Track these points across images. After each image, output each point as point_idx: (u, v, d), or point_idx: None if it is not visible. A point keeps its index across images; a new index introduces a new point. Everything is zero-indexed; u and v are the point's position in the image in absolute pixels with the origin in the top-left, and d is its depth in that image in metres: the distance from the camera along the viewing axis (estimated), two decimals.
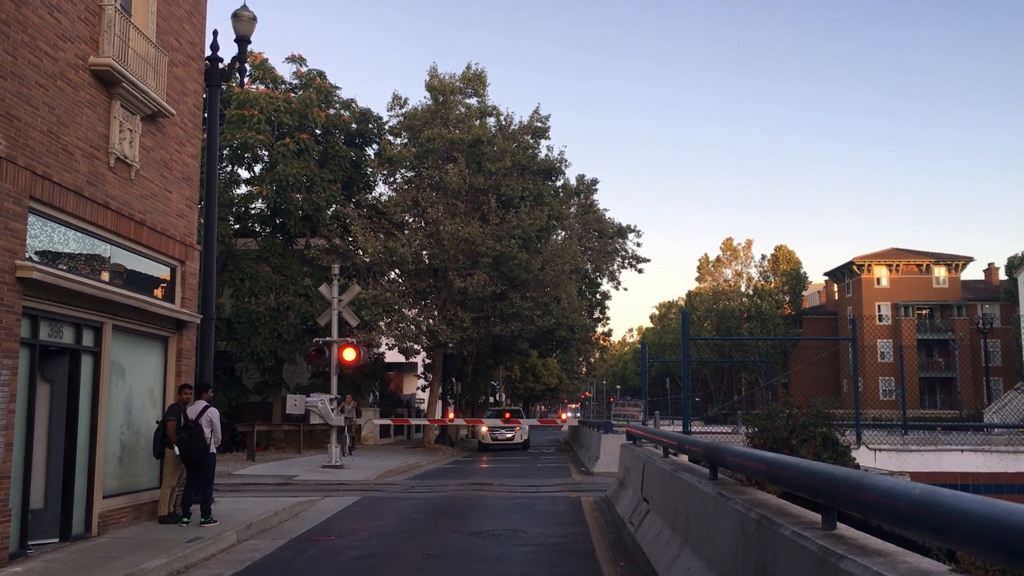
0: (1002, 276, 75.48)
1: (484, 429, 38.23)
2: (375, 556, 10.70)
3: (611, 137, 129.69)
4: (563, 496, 16.95)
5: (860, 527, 4.93)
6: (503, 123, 38.08)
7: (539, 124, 38.18)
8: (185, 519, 12.26)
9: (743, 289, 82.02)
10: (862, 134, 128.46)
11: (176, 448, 12.31)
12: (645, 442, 14.12)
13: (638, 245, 48.12)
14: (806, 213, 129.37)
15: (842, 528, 4.76)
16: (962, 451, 16.72)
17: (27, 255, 9.71)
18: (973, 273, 79.49)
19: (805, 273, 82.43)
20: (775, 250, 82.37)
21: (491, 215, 34.68)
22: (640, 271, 51.34)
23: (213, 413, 12.62)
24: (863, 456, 15.79)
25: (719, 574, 6.40)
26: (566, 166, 39.28)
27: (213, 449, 12.58)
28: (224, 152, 31.47)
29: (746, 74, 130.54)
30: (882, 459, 16.30)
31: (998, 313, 69.92)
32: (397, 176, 37.92)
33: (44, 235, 10.21)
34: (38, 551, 10.00)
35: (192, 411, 12.47)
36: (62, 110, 10.37)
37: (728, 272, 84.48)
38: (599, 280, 48.14)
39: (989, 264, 79.49)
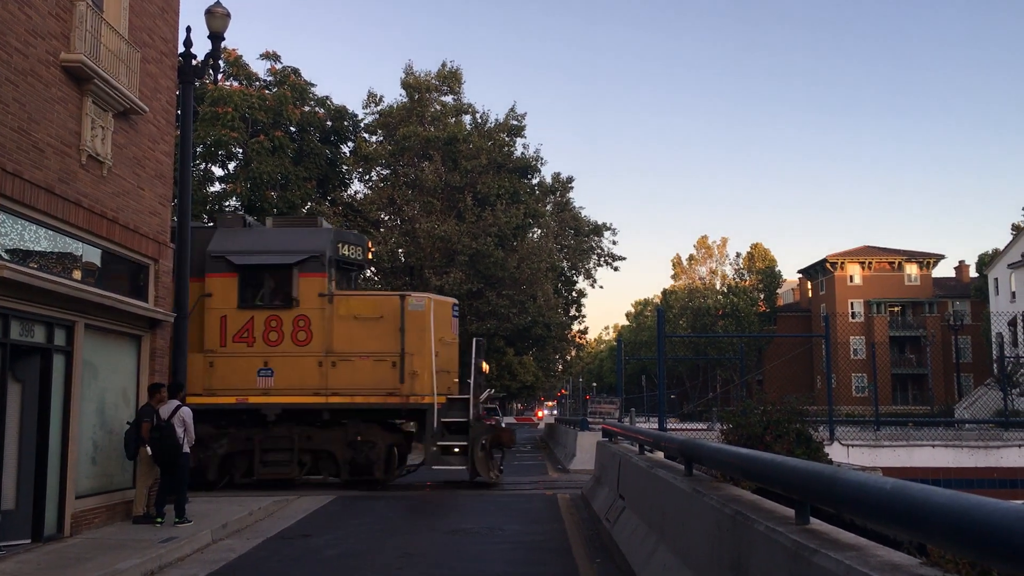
0: (972, 273, 76.43)
1: None
2: (352, 555, 10.68)
3: (586, 135, 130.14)
4: (539, 494, 16.99)
5: (833, 522, 4.97)
6: (479, 121, 38.10)
7: (515, 122, 38.23)
8: (159, 519, 12.17)
9: (718, 287, 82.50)
10: (836, 133, 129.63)
11: (148, 448, 12.23)
12: (621, 439, 14.17)
13: (614, 243, 48.30)
14: (781, 211, 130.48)
15: (815, 523, 4.81)
16: (933, 446, 16.93)
17: None
18: (944, 271, 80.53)
19: (779, 271, 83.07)
20: (750, 248, 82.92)
21: (467, 213, 34.67)
22: (616, 269, 51.56)
23: (186, 412, 12.53)
24: (836, 452, 15.95)
25: (695, 569, 6.45)
26: (542, 164, 39.39)
27: (186, 449, 12.49)
28: (198, 149, 31.22)
29: (720, 74, 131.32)
30: (855, 455, 16.47)
31: (969, 310, 70.76)
32: (373, 174, 37.84)
33: (14, 233, 10.10)
34: (10, 552, 9.89)
35: (165, 411, 12.39)
36: (33, 107, 10.25)
37: (703, 270, 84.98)
38: (575, 278, 48.25)
39: (960, 262, 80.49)
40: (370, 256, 19.81)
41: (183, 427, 12.38)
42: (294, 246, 18.06)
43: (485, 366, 19.08)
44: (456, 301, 19.93)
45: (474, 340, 19.23)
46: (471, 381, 18.10)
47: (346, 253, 18.46)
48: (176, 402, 12.59)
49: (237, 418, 17.92)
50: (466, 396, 18.20)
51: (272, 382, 17.61)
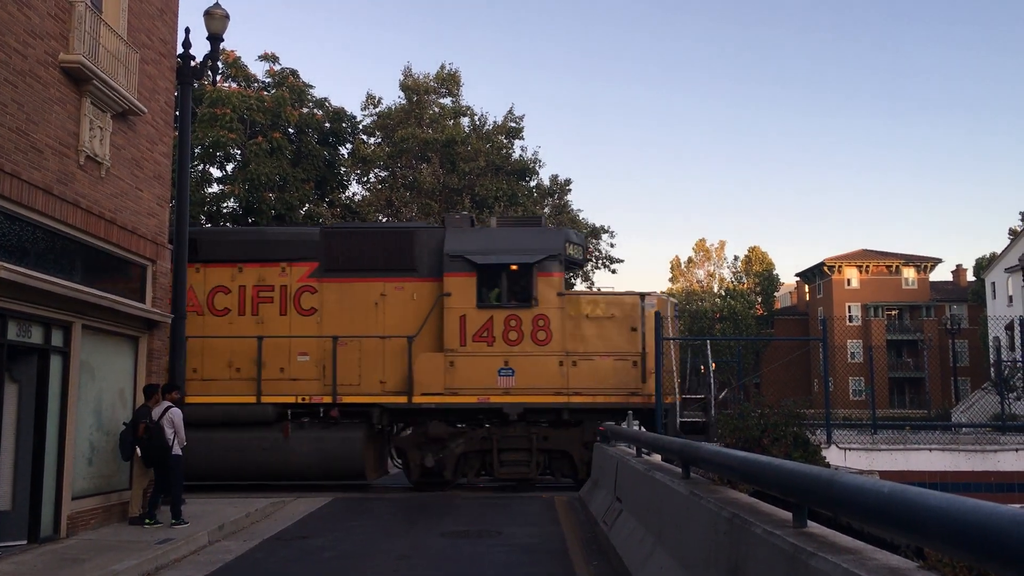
0: (970, 277, 76.47)
1: None
2: (348, 556, 10.67)
3: (585, 138, 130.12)
4: (536, 496, 16.98)
5: (831, 525, 4.98)
6: (477, 123, 38.08)
7: (513, 124, 38.20)
8: (149, 520, 12.10)
9: (716, 290, 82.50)
10: (834, 137, 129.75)
11: (138, 449, 12.19)
12: (618, 442, 14.17)
13: (612, 246, 48.21)
14: (779, 215, 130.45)
15: (813, 526, 4.81)
16: (930, 450, 16.93)
17: None
18: (941, 274, 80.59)
19: (777, 274, 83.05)
20: (748, 251, 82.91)
21: None
22: (614, 271, 51.40)
23: (175, 413, 12.46)
24: (833, 455, 15.95)
25: (692, 572, 6.45)
26: (540, 166, 39.32)
27: (178, 450, 12.41)
28: (196, 150, 31.15)
29: (719, 77, 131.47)
30: (852, 458, 16.48)
31: (966, 314, 70.85)
32: (371, 176, 37.82)
33: (12, 233, 10.09)
34: (6, 553, 9.88)
35: (156, 412, 12.35)
36: (31, 107, 10.25)
37: (701, 273, 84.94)
38: (573, 281, 48.22)
39: (957, 266, 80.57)
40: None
41: (172, 428, 12.33)
42: (532, 245, 18.20)
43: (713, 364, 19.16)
44: (676, 300, 19.97)
45: (707, 340, 19.38)
46: (710, 381, 18.19)
47: (571, 253, 18.63)
48: (167, 403, 12.54)
49: (472, 417, 18.05)
50: (701, 396, 18.26)
51: (513, 381, 17.63)
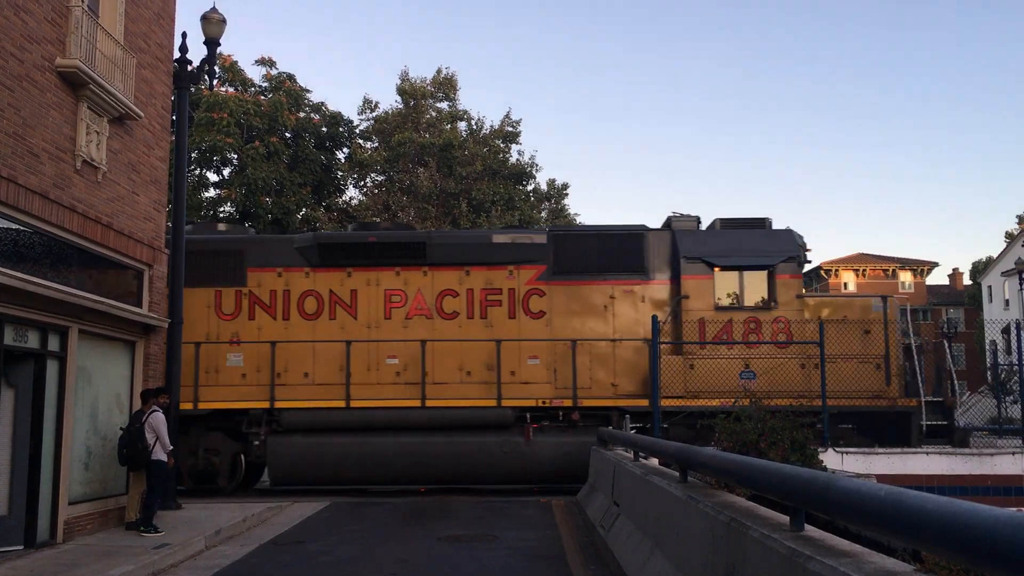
0: (966, 281, 76.57)
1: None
2: (345, 561, 10.66)
3: (583, 140, 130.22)
4: (533, 500, 16.96)
5: (828, 528, 4.98)
6: (474, 127, 38.12)
7: (510, 128, 38.24)
8: (143, 528, 12.06)
9: None
10: (830, 141, 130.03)
11: (120, 453, 12.12)
12: (616, 445, 14.17)
13: None
14: (775, 218, 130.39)
15: (810, 530, 4.82)
16: (927, 454, 16.92)
17: None
18: (938, 278, 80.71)
19: None
20: None
21: (462, 219, 34.68)
22: None
23: (156, 419, 12.31)
24: (830, 459, 15.94)
25: None
26: (537, 170, 39.34)
27: (162, 456, 12.28)
28: (193, 155, 31.20)
29: (714, 81, 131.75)
30: (849, 462, 16.47)
31: (962, 317, 70.94)
32: (368, 180, 37.83)
33: (9, 237, 10.08)
34: (3, 558, 9.87)
35: (140, 416, 12.29)
36: (28, 112, 10.25)
37: None
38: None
39: (954, 269, 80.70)
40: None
41: (153, 434, 12.23)
42: (771, 247, 18.23)
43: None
44: (906, 303, 19.94)
45: (944, 341, 19.40)
46: (953, 383, 18.17)
47: (803, 256, 18.80)
48: (153, 407, 12.44)
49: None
50: (939, 399, 18.08)
51: (754, 384, 17.47)
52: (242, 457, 18.02)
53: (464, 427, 17.66)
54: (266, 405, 17.83)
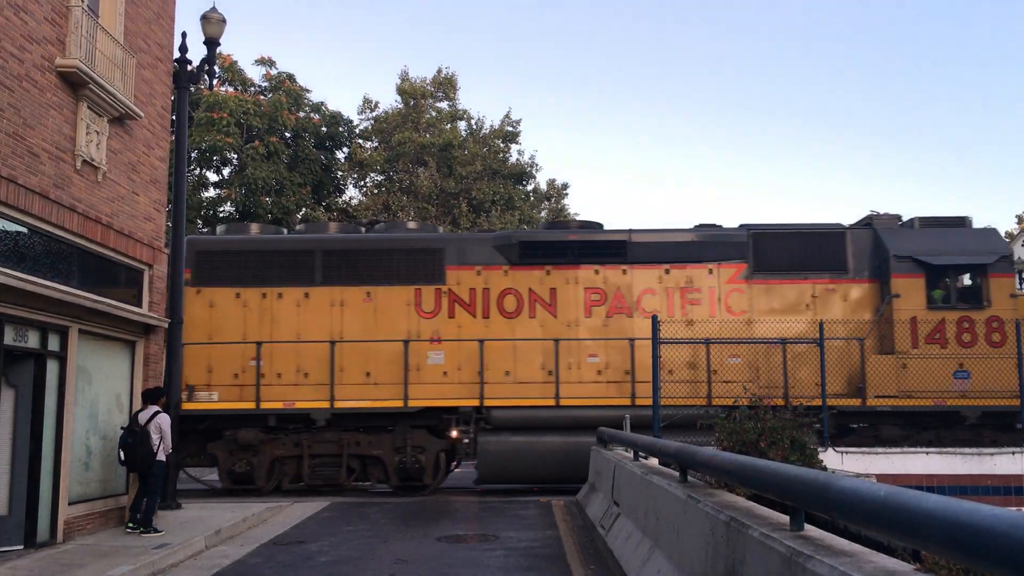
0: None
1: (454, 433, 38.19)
2: (345, 561, 10.66)
3: (584, 139, 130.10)
4: (533, 500, 16.97)
5: (828, 528, 4.99)
6: (474, 127, 38.11)
7: (510, 128, 38.24)
8: (131, 524, 12.06)
9: None
10: (830, 136, 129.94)
11: (120, 454, 12.12)
12: (616, 445, 14.17)
13: None
14: (775, 215, 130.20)
15: (810, 529, 4.82)
16: (927, 453, 16.92)
17: None
18: None
19: None
20: None
21: (462, 219, 34.69)
22: None
23: (163, 419, 12.36)
24: (830, 458, 15.94)
25: None
26: (537, 170, 39.34)
27: (162, 456, 12.31)
28: (192, 155, 31.20)
29: (715, 77, 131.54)
30: (849, 461, 16.47)
31: None
32: (367, 180, 37.82)
33: (9, 237, 10.09)
34: (3, 558, 9.88)
35: (142, 416, 12.24)
36: (28, 112, 10.26)
37: None
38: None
39: None
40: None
41: (159, 434, 12.25)
42: (982, 247, 18.21)
43: None
44: None
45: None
46: None
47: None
48: (155, 408, 12.42)
49: (919, 420, 17.95)
50: None
51: (968, 384, 17.50)
52: (443, 455, 18.28)
53: (672, 426, 17.68)
54: (475, 403, 18.00)
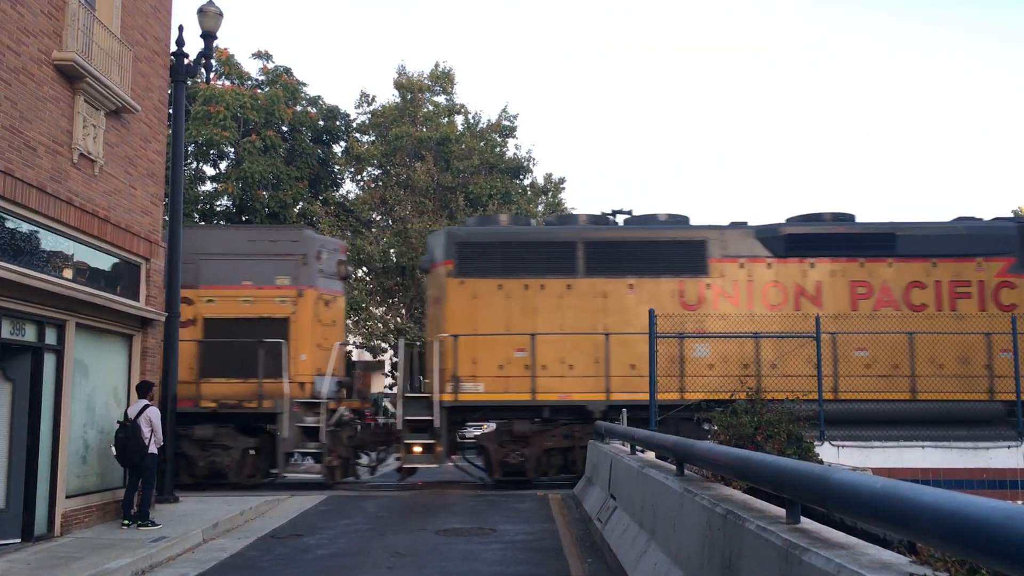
0: None
1: None
2: (343, 554, 10.68)
3: (577, 135, 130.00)
4: (531, 494, 17.00)
5: (824, 521, 5.01)
6: (471, 121, 38.06)
7: (507, 123, 38.19)
8: (126, 521, 12.07)
9: None
10: (828, 136, 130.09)
11: (113, 448, 12.12)
12: (612, 439, 14.20)
13: None
14: (774, 213, 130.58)
15: (806, 522, 4.84)
16: (923, 447, 16.98)
17: None
18: None
19: None
20: None
21: (459, 213, 34.65)
22: None
23: (153, 412, 12.32)
24: (826, 452, 15.96)
25: (685, 569, 6.47)
26: (534, 164, 39.31)
27: (154, 449, 12.26)
28: (189, 148, 31.15)
29: (713, 75, 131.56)
30: (845, 455, 16.51)
31: None
32: (364, 174, 37.77)
33: (6, 231, 10.07)
34: (0, 552, 9.87)
35: (132, 410, 12.23)
36: (24, 105, 10.23)
37: None
38: None
39: None
40: None
41: (150, 427, 12.22)
42: None
43: None
44: None
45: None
46: None
47: None
48: (144, 401, 12.38)
49: None
50: None
51: None
52: None
53: (952, 422, 17.57)
54: (752, 396, 18.07)
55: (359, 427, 19.39)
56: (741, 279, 18.78)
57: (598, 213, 20.74)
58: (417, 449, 18.18)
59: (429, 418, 18.02)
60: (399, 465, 18.73)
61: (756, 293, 18.71)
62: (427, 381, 18.89)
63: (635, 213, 19.98)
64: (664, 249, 18.69)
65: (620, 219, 20.33)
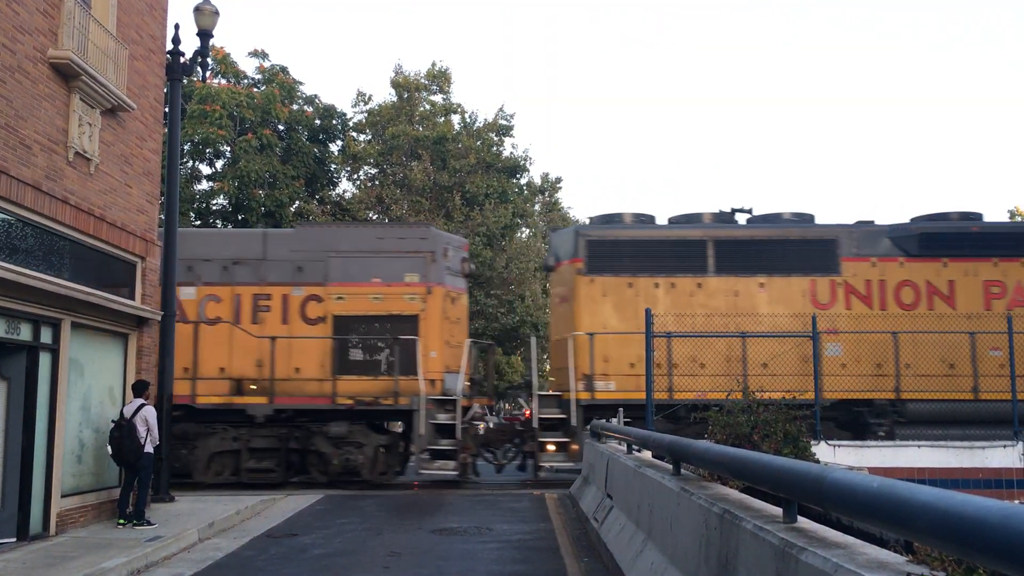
0: None
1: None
2: (339, 554, 10.67)
3: (574, 135, 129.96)
4: (527, 493, 17.00)
5: (821, 521, 5.00)
6: (468, 120, 38.05)
7: (504, 122, 38.19)
8: (121, 520, 12.04)
9: None
10: (825, 135, 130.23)
11: (109, 447, 12.09)
12: (609, 438, 14.19)
13: None
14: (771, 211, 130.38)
15: (803, 521, 4.83)
16: (919, 447, 16.99)
17: None
18: None
19: None
20: None
21: (455, 212, 34.65)
22: None
23: (148, 411, 12.30)
24: (823, 451, 15.97)
25: (682, 568, 6.47)
26: (530, 163, 39.34)
27: (150, 449, 12.24)
28: (185, 147, 31.12)
29: (711, 76, 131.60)
30: (841, 454, 16.52)
31: None
32: (361, 173, 37.76)
33: (1, 230, 10.04)
34: None
35: (128, 409, 12.21)
36: (20, 103, 10.20)
37: None
38: None
39: None
40: None
41: (145, 426, 12.19)
42: None
43: None
44: None
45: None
46: None
47: None
48: (140, 400, 12.37)
49: None
50: None
51: None
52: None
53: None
54: (891, 395, 18.07)
55: (490, 424, 19.44)
56: (874, 278, 18.82)
57: (720, 211, 20.82)
58: (551, 447, 18.22)
59: (562, 416, 18.10)
60: (520, 463, 18.82)
61: (889, 292, 18.76)
62: (552, 380, 18.89)
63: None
64: (794, 247, 18.78)
65: (741, 218, 20.32)
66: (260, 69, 34.91)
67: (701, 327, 18.49)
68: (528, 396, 19.88)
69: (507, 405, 53.53)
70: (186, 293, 18.27)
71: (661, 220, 20.59)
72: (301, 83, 35.45)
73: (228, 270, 18.80)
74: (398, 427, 20.13)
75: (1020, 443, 17.02)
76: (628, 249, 19.15)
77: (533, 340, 21.04)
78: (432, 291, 18.70)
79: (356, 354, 18.38)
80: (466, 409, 18.27)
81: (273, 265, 18.83)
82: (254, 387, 18.26)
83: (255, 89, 33.93)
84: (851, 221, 19.94)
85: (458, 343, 19.16)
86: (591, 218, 21.32)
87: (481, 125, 37.91)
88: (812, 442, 14.75)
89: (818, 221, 19.93)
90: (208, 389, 18.23)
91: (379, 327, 18.46)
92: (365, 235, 19.42)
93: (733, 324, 18.45)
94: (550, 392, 19.31)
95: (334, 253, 18.72)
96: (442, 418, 18.04)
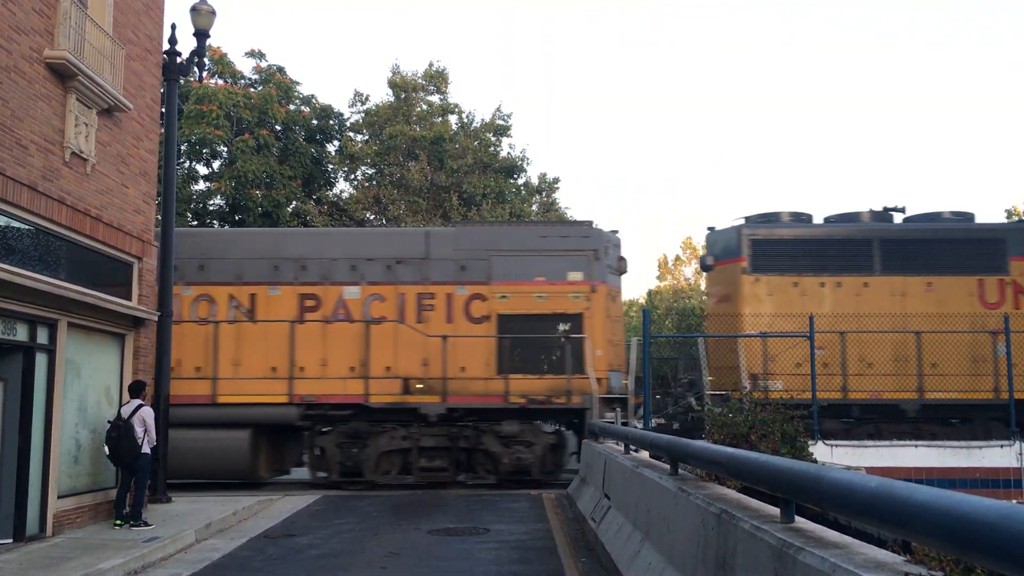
0: None
1: None
2: (336, 554, 10.65)
3: (571, 135, 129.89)
4: (524, 493, 16.99)
5: (818, 521, 5.00)
6: (465, 120, 38.03)
7: (501, 122, 38.17)
8: (118, 521, 12.02)
9: (703, 287, 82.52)
10: (822, 135, 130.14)
11: (106, 448, 12.07)
12: (606, 438, 14.19)
13: None
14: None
15: (800, 521, 4.83)
16: (917, 447, 17.03)
17: None
18: None
19: None
20: None
21: (453, 213, 34.63)
22: None
23: (146, 412, 12.30)
24: (820, 451, 15.99)
25: (680, 568, 6.46)
26: (528, 164, 39.29)
27: (147, 449, 12.24)
28: (182, 147, 31.08)
29: (707, 77, 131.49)
30: (839, 454, 16.55)
31: None
32: (358, 173, 37.72)
33: None
34: None
35: (125, 410, 12.19)
36: (16, 103, 10.18)
37: (688, 271, 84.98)
38: None
39: None
40: None
41: (143, 427, 12.18)
42: None
43: None
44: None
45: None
46: None
47: None
48: (138, 401, 12.35)
49: None
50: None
51: None
52: None
53: None
54: None
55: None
56: None
57: (878, 209, 20.82)
58: None
59: None
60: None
61: None
62: (710, 379, 18.92)
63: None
64: (960, 247, 18.78)
65: (897, 217, 20.33)
66: (257, 69, 34.88)
67: (871, 327, 18.43)
68: (695, 396, 19.69)
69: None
70: (350, 292, 18.24)
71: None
72: (298, 83, 35.43)
73: (392, 269, 18.61)
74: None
75: (1017, 443, 17.06)
76: (793, 248, 19.14)
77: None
78: (596, 289, 18.58)
79: (522, 353, 18.30)
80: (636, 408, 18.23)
81: (436, 264, 18.69)
82: (420, 386, 18.12)
83: (252, 89, 33.89)
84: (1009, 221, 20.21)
85: (619, 341, 19.12)
86: (747, 217, 21.12)
87: (478, 125, 37.89)
88: (810, 442, 14.78)
89: (955, 221, 19.90)
90: (380, 388, 18.05)
91: (543, 325, 18.36)
92: (527, 234, 19.32)
93: (901, 325, 18.43)
94: (717, 391, 19.05)
95: (497, 252, 18.64)
96: (608, 417, 17.95)
